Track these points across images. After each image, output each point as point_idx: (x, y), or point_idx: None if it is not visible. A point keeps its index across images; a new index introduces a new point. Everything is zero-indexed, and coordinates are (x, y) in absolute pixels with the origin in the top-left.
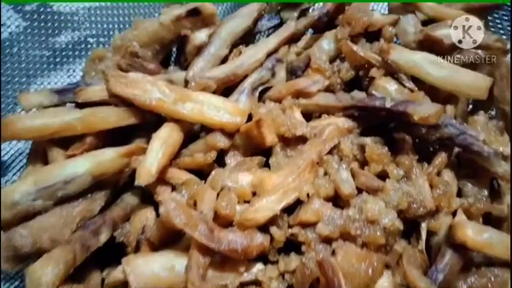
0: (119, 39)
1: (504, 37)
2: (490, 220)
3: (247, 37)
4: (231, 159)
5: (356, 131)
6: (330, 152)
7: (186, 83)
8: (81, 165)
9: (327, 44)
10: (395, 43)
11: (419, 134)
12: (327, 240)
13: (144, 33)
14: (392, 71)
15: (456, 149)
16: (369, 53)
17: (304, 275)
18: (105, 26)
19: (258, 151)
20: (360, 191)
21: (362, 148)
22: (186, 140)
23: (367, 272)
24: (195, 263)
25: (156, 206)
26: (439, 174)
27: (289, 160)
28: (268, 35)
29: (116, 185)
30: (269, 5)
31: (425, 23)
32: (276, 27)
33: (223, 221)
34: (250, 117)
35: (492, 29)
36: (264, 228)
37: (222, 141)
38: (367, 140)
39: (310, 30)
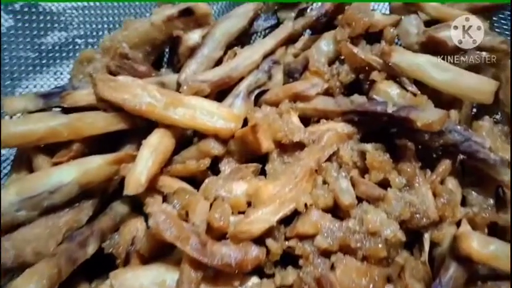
0: (108, 40)
1: (509, 38)
2: (496, 230)
3: (243, 38)
4: (226, 166)
5: (356, 137)
6: (329, 159)
7: (179, 86)
8: (67, 174)
9: (325, 45)
10: (396, 45)
11: (422, 141)
12: (326, 254)
13: (135, 34)
14: (394, 74)
15: (460, 156)
16: (370, 55)
17: None
18: (94, 26)
19: (254, 158)
20: (360, 200)
21: (362, 155)
22: (178, 146)
23: (368, 287)
24: (187, 278)
25: (146, 215)
26: (442, 182)
27: (286, 167)
28: (264, 36)
29: (104, 192)
30: (266, 5)
31: (428, 23)
32: (273, 28)
33: (217, 233)
34: (245, 122)
35: (497, 30)
36: (259, 240)
37: (215, 148)
38: (368, 147)
39: (308, 31)
